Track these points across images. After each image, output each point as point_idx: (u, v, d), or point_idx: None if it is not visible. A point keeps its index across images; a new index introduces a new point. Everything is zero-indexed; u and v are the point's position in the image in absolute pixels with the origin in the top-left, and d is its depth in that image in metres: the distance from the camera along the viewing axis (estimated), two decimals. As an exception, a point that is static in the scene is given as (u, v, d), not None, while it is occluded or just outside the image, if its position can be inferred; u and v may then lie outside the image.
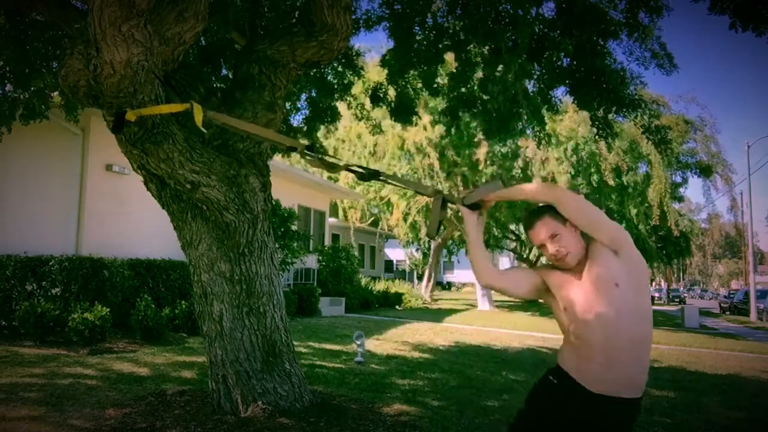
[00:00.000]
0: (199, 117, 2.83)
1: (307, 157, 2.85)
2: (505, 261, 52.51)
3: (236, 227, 4.19)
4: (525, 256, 32.12)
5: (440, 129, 17.16)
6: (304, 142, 2.94)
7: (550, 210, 2.13)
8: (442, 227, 2.42)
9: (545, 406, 2.15)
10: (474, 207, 2.26)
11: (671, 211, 21.00)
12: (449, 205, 2.43)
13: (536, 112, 7.29)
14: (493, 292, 22.71)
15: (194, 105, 2.85)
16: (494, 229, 23.16)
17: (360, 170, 2.69)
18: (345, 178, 22.36)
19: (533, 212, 2.21)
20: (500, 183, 2.26)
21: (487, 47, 6.47)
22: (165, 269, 9.30)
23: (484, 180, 18.34)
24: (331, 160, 2.94)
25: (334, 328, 10.84)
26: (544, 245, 2.12)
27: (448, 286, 42.94)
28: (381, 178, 2.72)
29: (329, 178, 22.99)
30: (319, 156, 2.85)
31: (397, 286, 20.87)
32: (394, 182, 2.92)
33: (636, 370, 2.02)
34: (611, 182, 19.15)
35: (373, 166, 21.83)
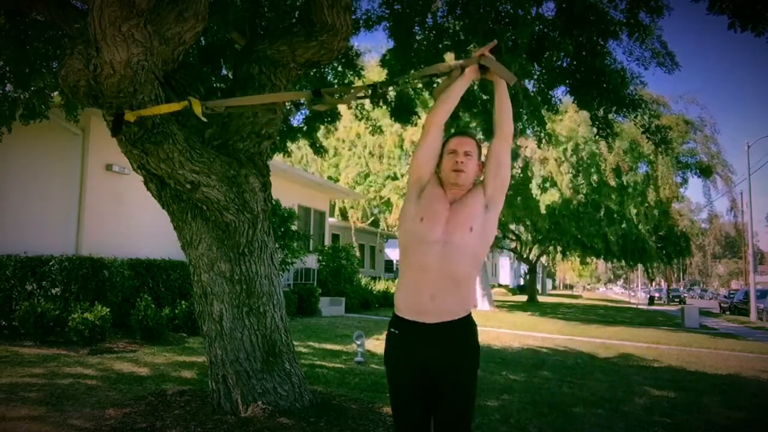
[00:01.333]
0: (198, 109, 2.83)
1: (318, 104, 2.88)
2: (505, 261, 52.53)
3: (236, 227, 4.19)
4: (525, 256, 32.13)
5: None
6: (308, 91, 2.94)
7: (478, 141, 2.43)
8: None
9: (398, 358, 2.31)
10: (482, 69, 2.41)
11: (673, 211, 21.01)
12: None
13: (536, 111, 7.29)
14: (493, 291, 22.74)
15: (191, 100, 2.85)
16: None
17: (376, 90, 2.78)
18: (345, 178, 22.38)
19: (467, 131, 2.68)
20: (513, 77, 2.45)
21: (487, 47, 6.46)
22: (165, 269, 9.30)
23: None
24: (341, 95, 2.96)
25: (334, 328, 10.84)
26: (456, 152, 2.32)
27: (448, 286, 42.82)
28: (398, 81, 2.83)
29: (329, 177, 23.01)
30: (329, 97, 2.85)
31: (397, 286, 20.84)
32: (410, 78, 3.04)
33: (458, 301, 2.23)
34: (611, 182, 19.15)
35: (373, 166, 21.87)
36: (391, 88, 7.44)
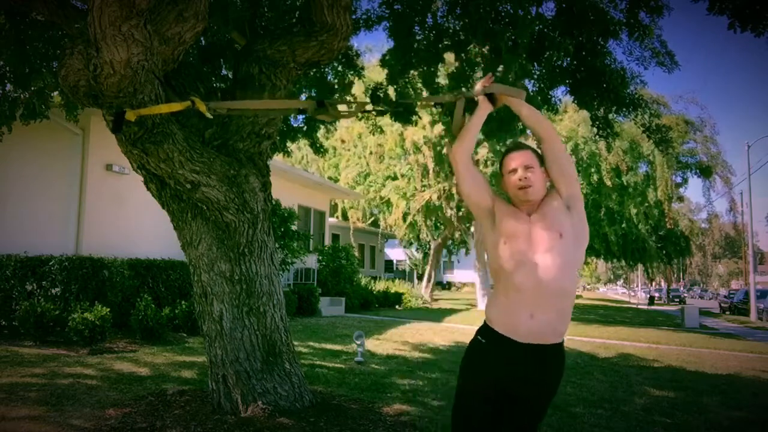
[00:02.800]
0: (203, 107, 2.83)
1: (322, 114, 2.86)
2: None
3: (236, 227, 4.19)
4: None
5: (440, 128, 17.17)
6: (312, 101, 2.92)
7: (533, 149, 2.31)
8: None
9: (480, 369, 2.22)
10: (490, 99, 2.37)
11: (672, 211, 21.00)
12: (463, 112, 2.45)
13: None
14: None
15: (195, 100, 2.85)
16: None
17: (379, 108, 2.76)
18: (345, 178, 22.38)
19: (520, 143, 2.43)
20: (524, 92, 2.38)
21: (487, 47, 6.46)
22: (165, 269, 9.30)
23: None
24: (345, 108, 2.94)
25: (334, 328, 10.84)
26: (515, 170, 2.23)
27: (448, 286, 42.94)
28: (400, 103, 2.80)
29: (330, 177, 23.01)
30: (333, 108, 2.83)
31: (397, 286, 20.87)
32: (409, 102, 3.00)
33: (560, 319, 2.13)
34: (611, 182, 19.15)
35: (374, 166, 21.87)
36: (391, 88, 7.45)
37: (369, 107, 2.82)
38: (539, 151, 2.31)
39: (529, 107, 2.37)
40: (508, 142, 16.80)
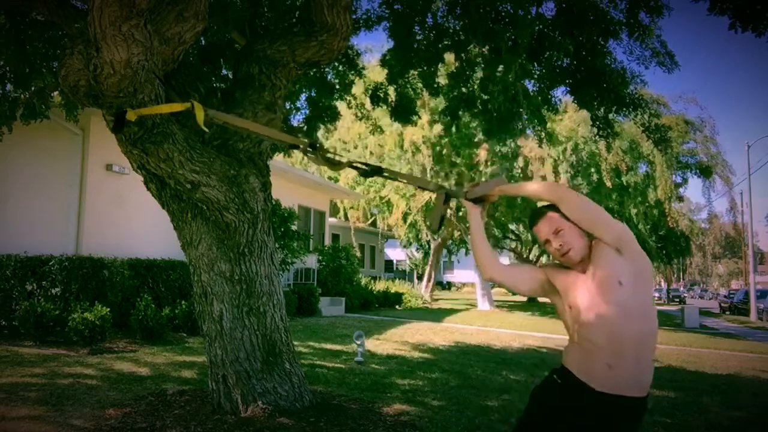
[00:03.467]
0: (200, 116, 2.83)
1: (310, 155, 2.85)
2: (504, 261, 52.55)
3: (236, 227, 4.19)
4: (525, 256, 32.12)
5: (439, 128, 17.17)
6: (306, 140, 2.94)
7: (553, 207, 2.17)
8: (443, 223, 2.49)
9: (549, 406, 2.14)
10: (477, 201, 2.31)
11: (672, 211, 20.99)
12: (451, 201, 2.46)
13: (536, 111, 7.29)
14: (493, 291, 22.74)
15: (195, 104, 2.85)
16: (494, 229, 23.16)
17: (363, 167, 2.72)
18: (345, 178, 22.37)
19: (538, 210, 2.25)
20: (503, 178, 2.36)
21: (487, 47, 6.46)
22: (165, 269, 9.30)
23: (483, 179, 18.35)
24: (335, 157, 2.94)
25: (334, 328, 10.84)
26: (548, 241, 2.14)
27: (448, 286, 42.94)
28: (384, 174, 2.75)
29: (329, 177, 23.00)
30: (322, 154, 2.85)
31: (397, 286, 20.87)
32: (397, 178, 2.95)
33: (640, 369, 2.01)
34: (611, 182, 19.14)
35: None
36: (391, 88, 7.46)
37: (357, 165, 2.79)
38: (559, 208, 2.19)
39: (519, 185, 2.37)
40: (509, 144, 16.70)
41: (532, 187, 2.32)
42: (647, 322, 2.03)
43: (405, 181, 2.99)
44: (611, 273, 2.01)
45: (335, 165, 2.91)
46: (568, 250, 2.10)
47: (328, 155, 2.89)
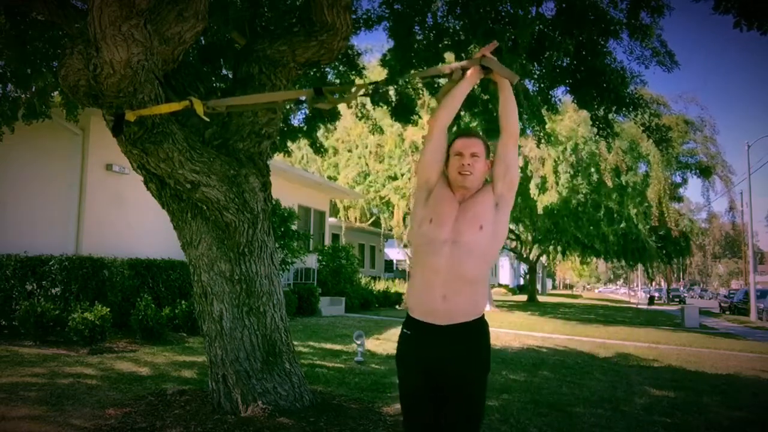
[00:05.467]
0: (200, 109, 2.83)
1: (320, 103, 2.87)
2: (504, 261, 52.51)
3: (236, 227, 4.19)
4: (525, 255, 32.12)
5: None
6: (310, 89, 2.94)
7: (484, 139, 2.38)
8: None
9: (410, 359, 2.29)
10: (486, 70, 2.39)
11: (670, 211, 20.97)
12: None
13: (536, 111, 7.29)
14: (493, 291, 22.75)
15: (193, 100, 2.85)
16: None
17: (373, 87, 2.78)
18: (345, 177, 22.37)
19: (473, 130, 2.57)
20: (517, 76, 2.45)
21: (487, 47, 6.46)
22: (165, 269, 9.30)
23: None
24: (343, 94, 2.96)
25: (334, 327, 10.84)
26: (462, 155, 2.29)
27: (448, 286, 42.83)
28: (399, 80, 2.82)
29: (329, 177, 23.00)
30: (330, 96, 2.84)
31: (398, 286, 20.87)
32: (407, 77, 3.02)
33: (470, 301, 2.22)
34: (611, 182, 19.15)
35: (373, 166, 21.86)
36: (391, 88, 7.45)
37: (365, 91, 2.82)
38: (489, 144, 2.39)
39: (512, 95, 2.41)
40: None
41: (512, 110, 2.40)
42: (482, 270, 2.25)
43: (421, 76, 3.05)
44: (480, 216, 2.23)
45: (348, 99, 2.96)
46: (470, 173, 2.27)
47: (337, 95, 2.91)
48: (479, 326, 2.25)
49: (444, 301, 2.17)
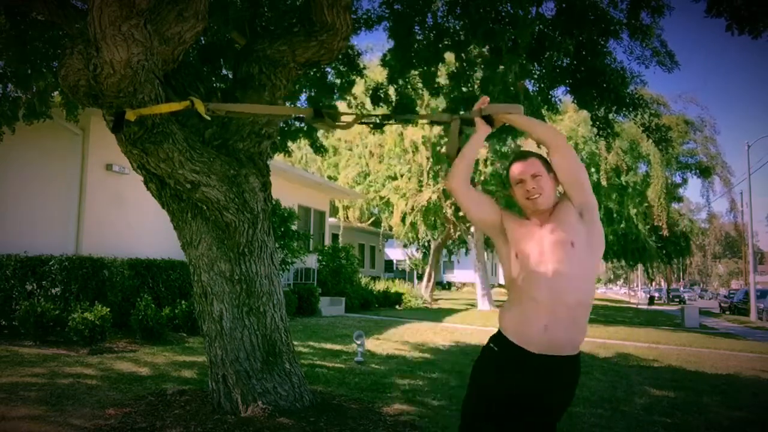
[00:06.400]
0: (201, 109, 2.83)
1: (318, 123, 2.85)
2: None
3: (236, 227, 4.19)
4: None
5: (439, 128, 17.16)
6: (310, 108, 2.95)
7: (540, 155, 2.24)
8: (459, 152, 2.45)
9: (491, 375, 2.18)
10: (488, 121, 2.32)
11: (667, 210, 20.97)
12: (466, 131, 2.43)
13: (536, 112, 7.29)
14: (493, 291, 22.73)
15: (194, 100, 2.85)
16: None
17: (372, 119, 2.75)
18: (345, 177, 22.37)
19: (523, 151, 2.36)
20: (521, 107, 2.33)
21: (487, 47, 6.46)
22: (165, 269, 9.30)
23: (482, 177, 18.35)
24: (342, 118, 2.93)
25: (334, 327, 10.84)
26: (523, 181, 2.17)
27: (448, 286, 42.93)
28: (395, 119, 2.78)
29: (329, 177, 23.01)
30: (329, 119, 2.83)
31: (397, 286, 20.86)
32: (408, 118, 2.97)
33: (576, 330, 2.07)
34: (611, 182, 19.15)
35: (374, 165, 21.86)
36: (391, 88, 7.45)
37: (366, 120, 2.78)
38: (546, 157, 2.24)
39: (530, 120, 2.34)
40: (509, 145, 16.71)
41: (539, 128, 2.31)
42: (586, 290, 2.10)
43: (418, 119, 3.02)
44: (568, 233, 2.07)
45: (345, 126, 2.93)
46: (539, 194, 2.14)
47: (336, 118, 2.88)
48: (574, 363, 2.11)
49: (545, 331, 2.03)
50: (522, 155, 2.26)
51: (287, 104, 7.05)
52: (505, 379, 2.12)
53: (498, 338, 2.17)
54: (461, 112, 2.46)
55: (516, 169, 2.21)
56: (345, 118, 2.89)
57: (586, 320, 2.12)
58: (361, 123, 2.78)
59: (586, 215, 2.11)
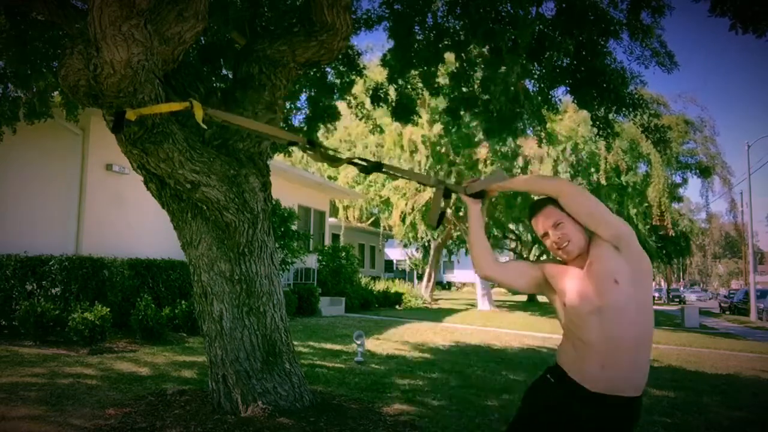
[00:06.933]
0: (199, 114, 2.83)
1: (309, 152, 2.86)
2: (504, 261, 52.59)
3: (236, 227, 4.19)
4: (525, 255, 32.10)
5: (439, 127, 17.18)
6: (304, 138, 2.95)
7: (552, 200, 2.13)
8: (443, 220, 2.43)
9: (543, 405, 2.11)
10: (477, 196, 2.26)
11: (669, 210, 20.97)
12: (452, 197, 2.44)
13: (537, 111, 7.29)
14: (493, 291, 22.73)
15: (194, 103, 2.85)
16: (494, 229, 23.15)
17: (362, 163, 2.71)
18: (345, 177, 22.37)
19: (536, 202, 2.21)
20: (504, 173, 2.27)
21: (487, 47, 6.46)
22: (165, 269, 9.30)
23: (482, 177, 18.33)
24: (333, 154, 2.94)
25: (334, 327, 10.84)
26: (546, 234, 2.10)
27: (448, 286, 42.95)
28: (383, 170, 2.73)
29: (329, 177, 23.00)
30: (321, 150, 2.84)
31: (397, 286, 20.86)
32: (396, 173, 2.92)
33: (635, 370, 1.97)
34: (610, 182, 19.14)
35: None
36: (392, 88, 7.45)
37: (356, 161, 2.77)
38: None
39: (525, 179, 2.34)
40: (509, 145, 16.65)
41: (531, 181, 2.32)
42: (643, 324, 1.98)
43: (404, 176, 2.96)
44: (607, 270, 1.97)
45: (334, 161, 2.90)
46: (567, 243, 2.06)
47: (328, 152, 2.89)
48: (638, 404, 2.01)
49: (603, 370, 1.94)
50: (537, 207, 2.17)
51: (287, 104, 7.07)
52: (557, 411, 2.05)
53: (555, 370, 2.12)
54: (447, 181, 2.43)
55: (537, 224, 2.15)
56: (337, 156, 2.91)
57: (646, 358, 2.01)
58: (351, 163, 2.76)
59: (623, 247, 2.00)
